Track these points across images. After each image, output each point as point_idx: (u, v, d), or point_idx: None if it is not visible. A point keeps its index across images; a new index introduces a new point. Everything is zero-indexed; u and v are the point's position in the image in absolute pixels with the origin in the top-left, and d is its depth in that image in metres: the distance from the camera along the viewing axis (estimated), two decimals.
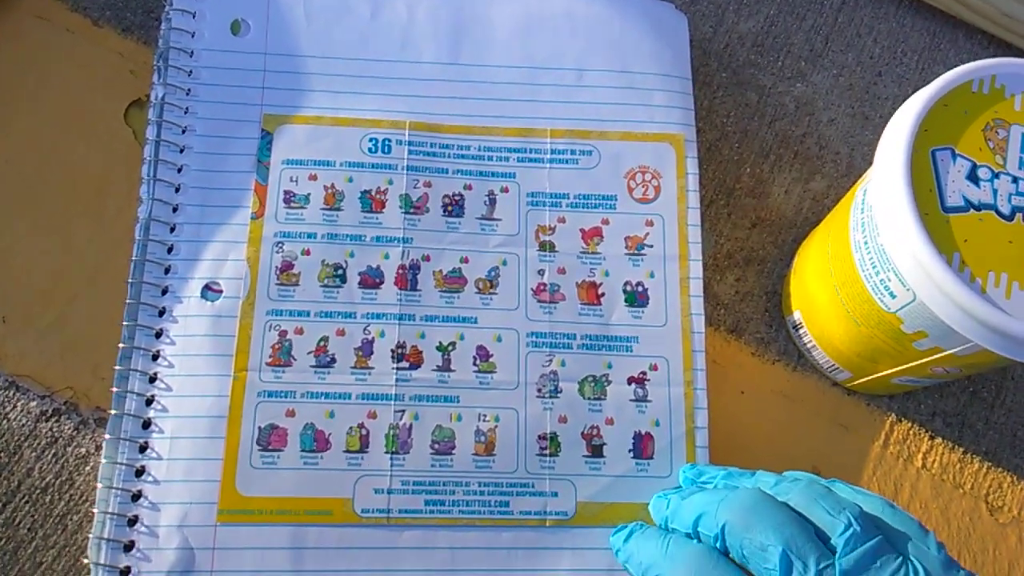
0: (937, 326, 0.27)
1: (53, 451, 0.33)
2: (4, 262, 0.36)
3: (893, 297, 0.29)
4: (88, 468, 0.33)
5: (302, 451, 0.32)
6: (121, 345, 0.33)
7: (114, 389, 0.32)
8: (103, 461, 0.31)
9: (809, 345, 0.36)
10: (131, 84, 0.39)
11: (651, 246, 0.36)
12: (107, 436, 0.32)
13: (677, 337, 0.35)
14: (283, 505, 0.32)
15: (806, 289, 0.35)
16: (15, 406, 0.34)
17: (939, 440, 0.37)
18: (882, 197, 0.28)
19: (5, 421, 0.34)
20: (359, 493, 0.32)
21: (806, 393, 0.37)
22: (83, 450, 0.34)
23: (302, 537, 0.31)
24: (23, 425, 0.34)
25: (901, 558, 0.25)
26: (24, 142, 0.37)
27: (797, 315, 0.36)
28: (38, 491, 0.33)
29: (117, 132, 0.38)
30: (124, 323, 0.33)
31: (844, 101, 0.42)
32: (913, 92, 0.30)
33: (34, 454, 0.33)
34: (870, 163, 0.31)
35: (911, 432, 0.37)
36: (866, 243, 0.29)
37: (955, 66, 0.29)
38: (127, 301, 0.33)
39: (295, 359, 0.34)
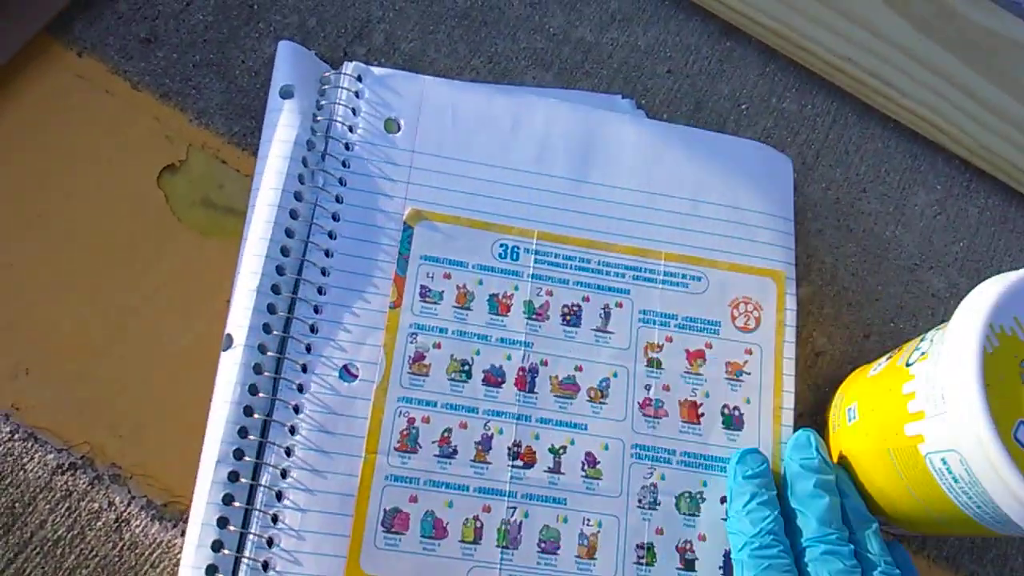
0: (1000, 517, 0.31)
1: (67, 504, 0.35)
2: (29, 315, 0.36)
3: (956, 482, 0.31)
4: (100, 524, 0.35)
5: (422, 537, 0.35)
6: (256, 415, 0.35)
7: (255, 459, 0.34)
8: (236, 527, 0.33)
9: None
10: (166, 149, 0.39)
11: (749, 373, 0.39)
12: (245, 505, 0.33)
13: (771, 439, 0.38)
14: None
15: (852, 439, 0.37)
16: (32, 457, 0.35)
17: None
18: (957, 403, 0.30)
19: (22, 472, 0.35)
20: None
21: None
22: (96, 505, 0.35)
23: None
24: (39, 477, 0.35)
25: None
26: (57, 200, 0.38)
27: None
28: (50, 544, 0.34)
29: (149, 195, 0.38)
30: (260, 394, 0.35)
31: (831, 213, 0.45)
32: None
33: (48, 506, 0.35)
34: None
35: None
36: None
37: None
38: (268, 374, 0.35)
39: (421, 446, 0.36)
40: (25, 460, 0.35)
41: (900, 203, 0.46)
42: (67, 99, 0.40)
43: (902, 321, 0.44)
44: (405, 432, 0.36)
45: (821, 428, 0.40)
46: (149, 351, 0.37)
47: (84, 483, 0.35)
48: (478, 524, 0.35)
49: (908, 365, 0.34)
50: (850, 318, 0.44)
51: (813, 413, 0.41)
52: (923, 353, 0.34)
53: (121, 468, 0.34)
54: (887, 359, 0.37)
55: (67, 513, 0.35)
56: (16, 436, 0.35)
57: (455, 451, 0.36)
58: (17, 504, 0.35)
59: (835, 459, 0.38)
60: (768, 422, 0.39)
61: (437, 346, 0.37)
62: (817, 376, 0.42)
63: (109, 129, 0.40)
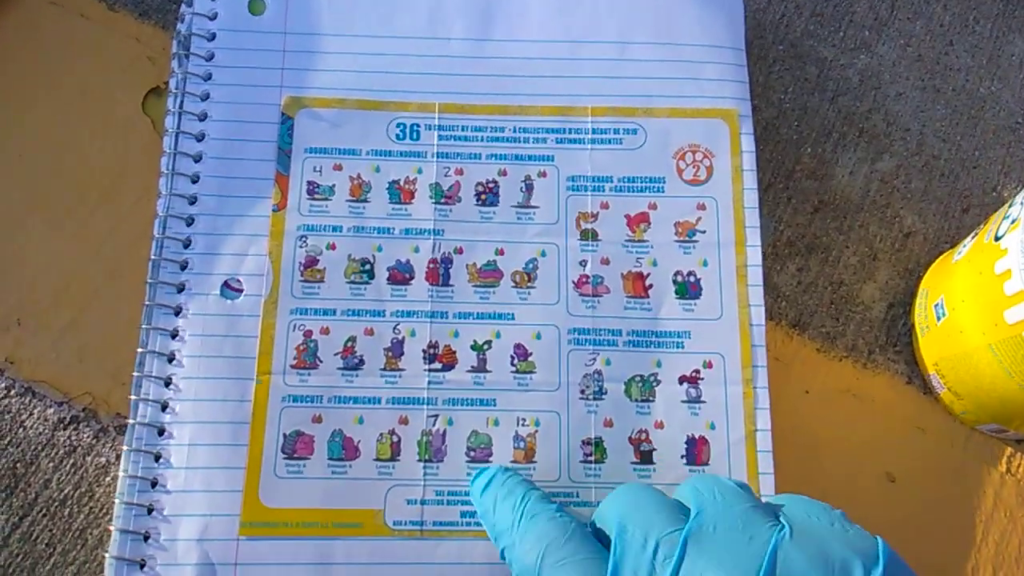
0: None
1: (72, 461, 0.32)
2: (18, 261, 0.34)
3: None
4: (108, 479, 0.32)
5: (330, 459, 0.30)
6: (139, 349, 0.31)
7: (132, 397, 0.30)
8: (120, 474, 0.30)
9: (936, 377, 0.33)
10: (149, 71, 0.37)
11: (703, 232, 0.33)
12: (124, 447, 0.30)
13: (734, 331, 0.32)
14: (309, 517, 0.30)
15: (945, 342, 0.31)
16: (31, 413, 0.32)
17: None
18: None
19: (21, 429, 0.32)
20: (391, 504, 0.30)
21: (877, 392, 0.34)
22: (103, 460, 0.32)
23: (329, 551, 0.29)
24: (40, 434, 0.32)
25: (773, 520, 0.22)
26: (37, 135, 0.36)
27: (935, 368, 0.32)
28: (56, 504, 0.31)
29: (135, 122, 0.36)
30: (142, 325, 0.31)
31: (913, 73, 0.39)
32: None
33: (52, 464, 0.32)
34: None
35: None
36: None
37: None
38: (145, 302, 0.31)
39: (321, 361, 0.31)
40: (24, 417, 0.32)
41: (994, 54, 0.39)
42: (40, 28, 0.37)
43: (1007, 188, 0.37)
44: (302, 347, 0.31)
45: (911, 329, 0.34)
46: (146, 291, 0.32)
47: (89, 437, 0.32)
48: (395, 439, 0.31)
49: (998, 239, 0.28)
50: (943, 191, 0.37)
51: (905, 303, 0.35)
52: (1014, 221, 0.27)
53: (127, 418, 0.31)
54: (972, 237, 0.31)
55: (72, 470, 0.32)
56: (12, 392, 0.32)
57: (361, 361, 0.31)
58: (19, 464, 0.32)
59: (929, 368, 0.32)
60: (731, 284, 0.33)
61: (331, 247, 0.33)
62: (908, 260, 0.36)
63: (87, 55, 0.37)
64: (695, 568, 0.21)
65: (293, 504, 0.30)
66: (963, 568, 0.31)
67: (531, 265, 0.33)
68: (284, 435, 0.30)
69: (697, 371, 0.32)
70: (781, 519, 0.23)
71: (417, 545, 0.30)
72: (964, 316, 0.29)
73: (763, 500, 0.25)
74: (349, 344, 0.32)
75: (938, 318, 0.31)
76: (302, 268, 0.32)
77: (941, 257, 0.34)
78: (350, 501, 0.30)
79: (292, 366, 0.31)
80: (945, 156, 0.37)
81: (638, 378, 0.32)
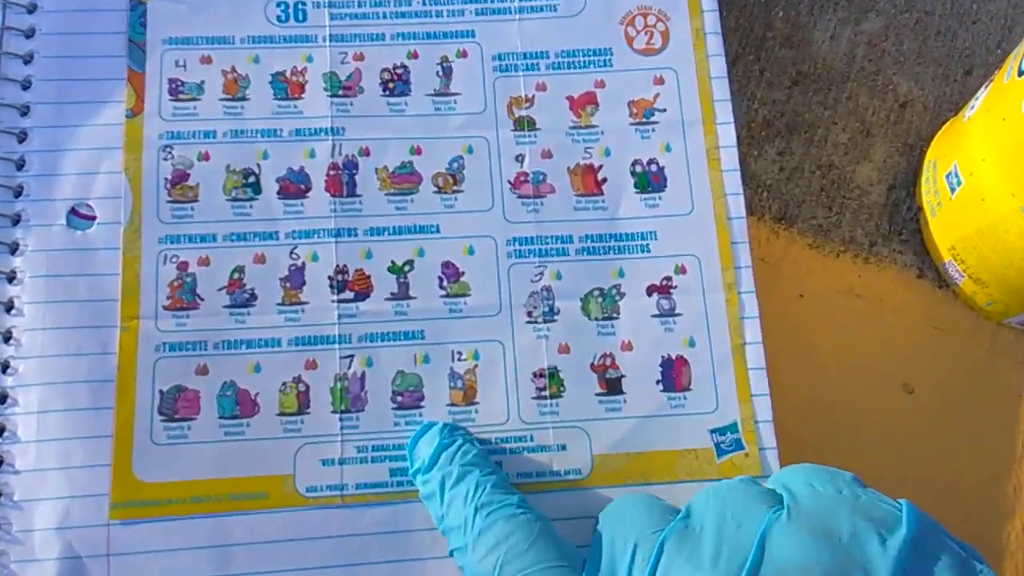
0: None
1: None
2: None
3: None
4: None
5: (221, 418, 0.24)
6: None
7: None
8: None
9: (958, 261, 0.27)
10: None
11: (663, 110, 0.27)
12: None
13: (709, 227, 0.26)
14: (199, 491, 0.24)
15: (962, 217, 0.26)
16: None
17: None
18: None
19: None
20: (302, 467, 0.24)
21: (884, 289, 0.28)
22: None
23: (228, 531, 0.23)
24: None
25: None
26: None
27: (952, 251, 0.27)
28: None
29: None
30: None
31: None
32: None
33: None
34: None
35: None
36: None
37: None
38: None
39: (202, 299, 0.25)
40: None
41: None
42: None
43: (1011, 43, 0.31)
44: (176, 283, 0.25)
45: (917, 212, 0.29)
46: None
47: None
48: (301, 388, 0.25)
49: (1022, 73, 0.23)
50: (940, 51, 0.31)
51: (907, 183, 0.29)
52: None
53: None
54: (986, 86, 0.25)
55: None
56: None
57: (252, 296, 0.25)
58: None
59: (944, 254, 0.27)
60: (702, 170, 0.27)
61: (204, 157, 0.26)
62: (907, 133, 0.30)
63: None
64: (672, 567, 0.18)
65: (177, 477, 0.24)
66: (1003, 488, 0.26)
67: (456, 165, 0.27)
68: (160, 392, 0.24)
69: (668, 279, 0.26)
70: (784, 498, 0.19)
71: (338, 515, 0.24)
72: (986, 179, 0.24)
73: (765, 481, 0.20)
74: (236, 276, 0.25)
75: (952, 190, 0.26)
76: (169, 185, 0.26)
77: (947, 123, 0.29)
78: (250, 468, 0.24)
79: (166, 307, 0.25)
80: (939, 11, 0.32)
81: (597, 292, 0.26)
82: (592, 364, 0.25)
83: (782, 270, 0.28)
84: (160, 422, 0.24)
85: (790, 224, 0.29)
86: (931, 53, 0.31)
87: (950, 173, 0.26)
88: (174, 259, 0.25)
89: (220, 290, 0.25)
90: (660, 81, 0.27)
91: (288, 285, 0.25)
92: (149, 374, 0.24)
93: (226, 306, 0.25)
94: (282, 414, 0.25)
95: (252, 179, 0.26)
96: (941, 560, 0.17)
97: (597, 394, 0.25)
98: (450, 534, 0.21)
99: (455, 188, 0.26)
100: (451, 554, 0.21)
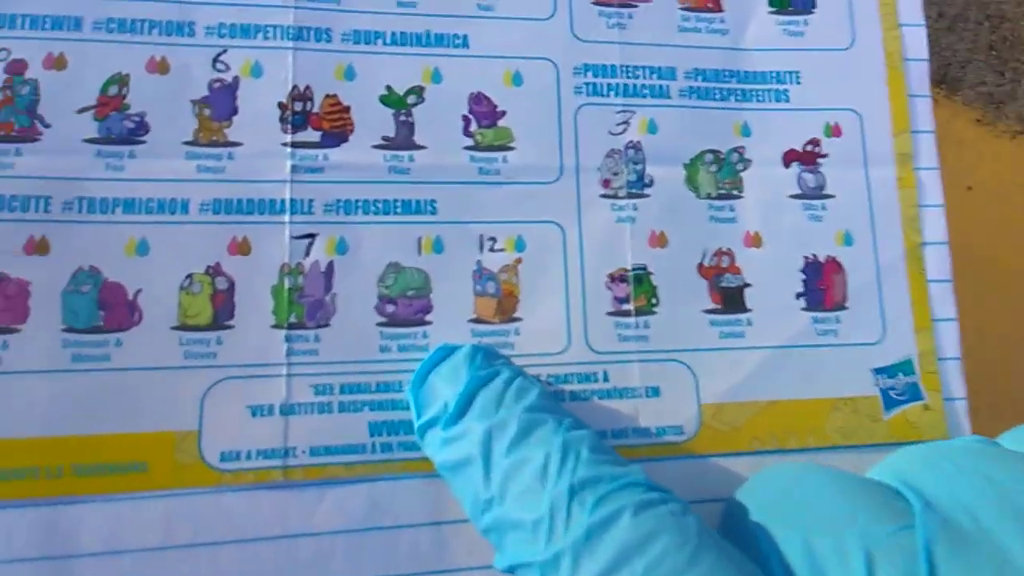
0: None
1: None
2: None
3: None
4: None
5: (69, 331, 0.14)
6: None
7: None
8: None
9: None
10: None
11: None
12: None
13: (876, 69, 0.17)
14: (21, 458, 0.13)
15: None
16: None
17: None
18: None
19: None
20: (215, 418, 0.14)
21: None
22: None
23: (72, 532, 0.13)
24: None
25: None
26: None
27: None
28: None
29: None
30: None
31: None
32: None
33: None
34: None
35: None
36: None
37: None
38: None
39: (47, 124, 0.14)
40: None
41: None
42: None
43: None
44: (4, 95, 0.14)
45: None
46: None
47: None
48: (220, 284, 0.14)
49: None
50: None
51: None
52: None
53: None
54: None
55: None
56: None
57: (141, 126, 0.15)
58: None
59: None
60: None
61: None
62: None
63: None
64: None
65: None
66: None
67: None
68: None
69: (815, 142, 0.17)
70: None
71: (277, 500, 0.14)
72: None
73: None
74: (113, 91, 0.15)
75: None
76: None
77: None
78: (119, 419, 0.13)
79: None
80: None
81: (710, 156, 0.16)
82: (700, 265, 0.16)
83: (943, 154, 0.20)
84: None
85: (952, 90, 0.20)
86: None
87: None
88: (1, 55, 0.15)
89: (83, 112, 0.15)
90: None
91: (207, 113, 0.15)
92: None
93: (91, 139, 0.14)
94: (183, 327, 0.14)
95: None
96: None
97: (707, 311, 0.16)
98: (508, 535, 0.11)
99: None
100: (511, 573, 0.11)
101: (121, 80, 0.15)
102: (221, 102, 0.15)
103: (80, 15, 0.15)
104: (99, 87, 0.15)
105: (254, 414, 0.14)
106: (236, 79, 0.15)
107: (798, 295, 0.16)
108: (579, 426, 0.12)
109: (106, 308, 0.14)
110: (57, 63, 0.15)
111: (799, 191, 0.17)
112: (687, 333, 0.16)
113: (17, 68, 0.15)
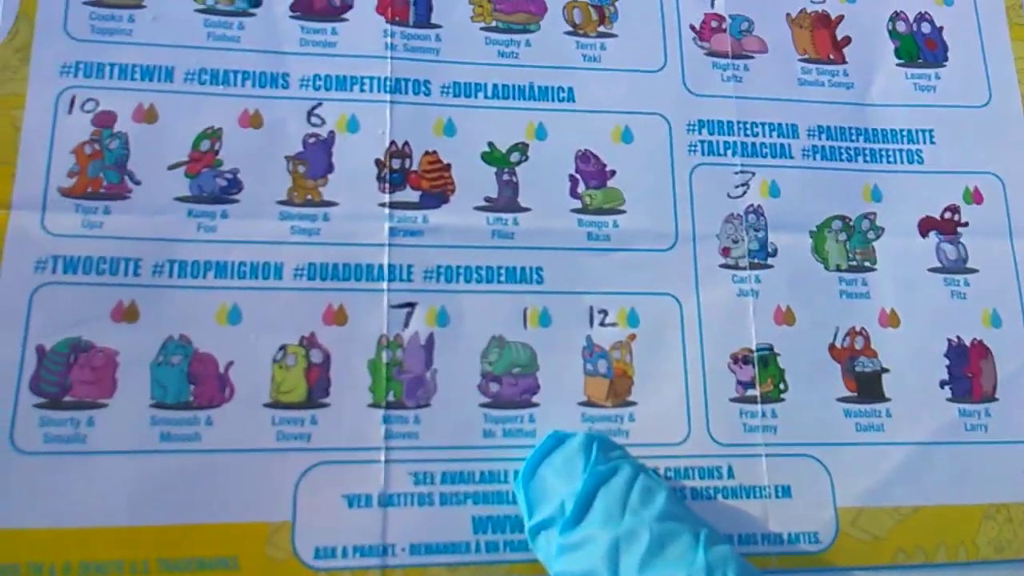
0: None
1: None
2: None
3: None
4: None
5: (157, 407, 0.13)
6: None
7: None
8: None
9: None
10: None
11: None
12: None
13: (1017, 127, 0.16)
14: (99, 551, 0.12)
15: None
16: None
17: None
18: None
19: None
20: (309, 509, 0.13)
21: None
22: None
23: None
24: None
25: None
26: None
27: None
28: None
29: None
30: None
31: None
32: None
33: None
34: None
35: None
36: None
37: None
38: None
39: (136, 181, 0.13)
40: None
41: None
42: None
43: None
44: (90, 149, 0.13)
45: None
46: None
47: None
48: (315, 358, 0.13)
49: None
50: None
51: None
52: None
53: None
54: None
55: None
56: None
57: (233, 183, 0.14)
58: None
59: None
60: (1000, 32, 0.16)
61: None
62: None
63: None
64: None
65: (54, 522, 0.12)
66: None
67: None
68: (39, 350, 0.13)
69: (954, 208, 0.15)
70: None
71: None
72: None
73: None
74: (207, 145, 0.14)
75: None
76: None
77: None
78: (208, 508, 0.12)
79: (65, 191, 0.13)
80: None
81: (838, 223, 0.15)
82: (832, 345, 0.14)
83: None
84: (33, 407, 0.12)
85: None
86: None
87: None
88: (89, 106, 0.14)
89: (174, 167, 0.14)
90: None
91: (302, 170, 0.14)
92: (20, 314, 0.13)
93: (183, 198, 0.14)
94: (276, 404, 0.13)
95: None
96: None
97: (841, 399, 0.14)
98: None
99: (602, 29, 0.15)
100: None
101: (213, 134, 0.14)
102: (316, 158, 0.14)
103: (171, 65, 0.14)
104: (191, 141, 0.14)
105: (351, 504, 0.13)
106: (332, 134, 0.14)
107: (942, 383, 0.15)
108: (717, 539, 0.11)
109: (196, 382, 0.13)
110: (147, 116, 0.14)
111: (939, 264, 0.15)
112: (819, 424, 0.14)
113: (106, 120, 0.14)
